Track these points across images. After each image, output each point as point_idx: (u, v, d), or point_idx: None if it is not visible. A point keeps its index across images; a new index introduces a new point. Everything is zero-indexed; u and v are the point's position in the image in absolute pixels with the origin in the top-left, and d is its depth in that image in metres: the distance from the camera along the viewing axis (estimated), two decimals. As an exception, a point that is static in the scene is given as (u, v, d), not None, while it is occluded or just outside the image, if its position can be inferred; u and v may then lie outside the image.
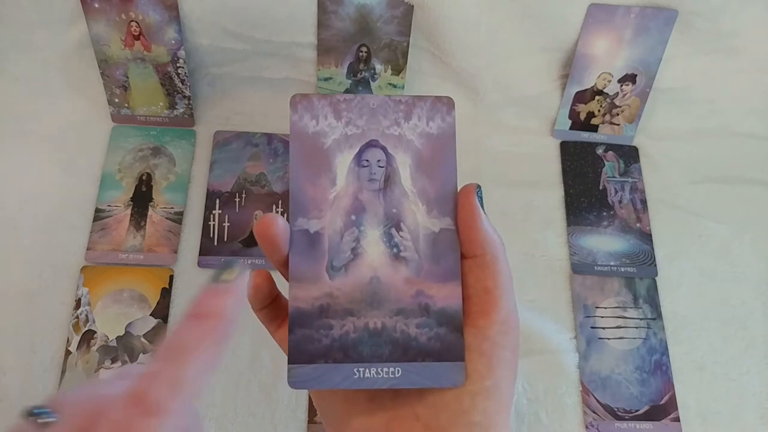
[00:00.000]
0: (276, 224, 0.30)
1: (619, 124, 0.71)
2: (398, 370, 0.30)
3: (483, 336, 0.30)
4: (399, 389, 0.30)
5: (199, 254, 0.63)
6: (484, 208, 0.31)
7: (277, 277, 0.33)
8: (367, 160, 0.32)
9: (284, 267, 0.31)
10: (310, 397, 0.58)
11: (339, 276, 0.31)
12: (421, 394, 0.30)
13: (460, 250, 0.31)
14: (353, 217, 0.32)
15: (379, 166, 0.32)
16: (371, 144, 0.32)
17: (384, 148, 0.32)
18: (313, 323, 0.30)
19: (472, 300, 0.30)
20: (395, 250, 0.31)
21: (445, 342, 0.30)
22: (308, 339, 0.30)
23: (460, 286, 0.31)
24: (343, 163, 0.32)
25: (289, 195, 0.32)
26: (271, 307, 0.33)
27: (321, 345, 0.30)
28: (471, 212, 0.30)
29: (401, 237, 0.32)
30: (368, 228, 0.32)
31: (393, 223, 0.32)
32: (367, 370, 0.30)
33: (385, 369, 0.30)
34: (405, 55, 0.66)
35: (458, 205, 0.31)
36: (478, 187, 0.31)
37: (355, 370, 0.30)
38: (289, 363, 0.30)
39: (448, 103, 0.33)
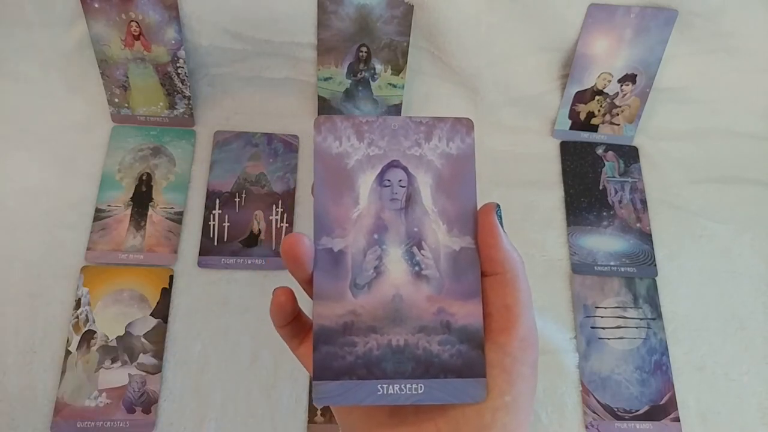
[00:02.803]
0: (302, 243, 0.31)
1: (619, 124, 0.71)
2: (421, 387, 0.31)
3: (503, 352, 0.30)
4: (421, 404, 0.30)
5: (199, 254, 0.63)
6: (504, 226, 0.32)
7: (299, 293, 0.33)
8: (389, 180, 0.33)
9: (308, 285, 0.32)
10: (309, 397, 0.58)
11: (362, 294, 0.32)
12: (443, 409, 0.30)
13: (481, 268, 0.31)
14: (376, 236, 0.32)
15: (401, 186, 0.33)
16: (393, 164, 0.33)
17: (405, 169, 0.33)
18: (338, 340, 0.31)
19: (492, 317, 0.31)
20: (417, 268, 0.32)
21: (467, 359, 0.31)
22: (332, 356, 0.31)
23: (480, 303, 0.31)
24: (366, 183, 0.33)
25: (314, 214, 0.33)
26: (293, 324, 0.33)
27: (345, 362, 0.31)
28: (491, 231, 0.31)
29: (423, 255, 0.32)
30: (390, 247, 0.32)
31: (414, 242, 0.32)
32: (391, 387, 0.31)
33: (408, 385, 0.31)
34: (405, 55, 0.66)
35: (478, 224, 0.32)
36: (498, 206, 0.32)
37: (378, 386, 0.31)
38: (313, 380, 0.30)
39: (467, 125, 0.34)
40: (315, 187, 0.33)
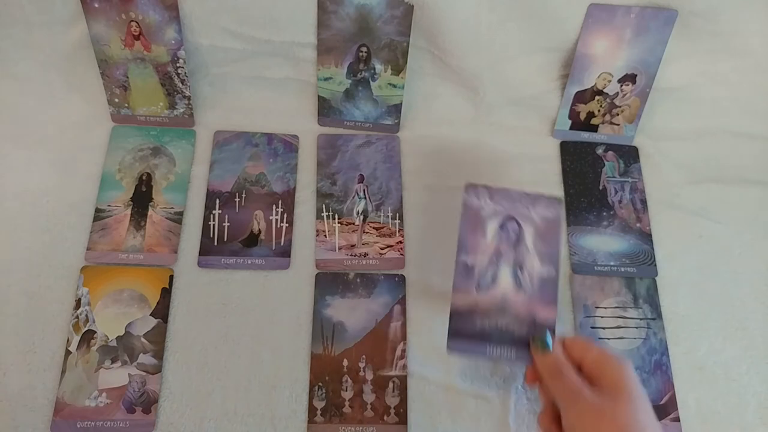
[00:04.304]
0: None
1: (619, 124, 0.71)
2: (513, 353, 0.51)
3: None
4: None
5: (199, 254, 0.63)
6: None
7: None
8: (507, 227, 0.53)
9: None
10: (309, 397, 0.58)
11: (482, 292, 0.52)
12: None
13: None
14: (495, 259, 0.53)
15: (513, 232, 0.53)
16: (510, 218, 0.54)
17: (518, 221, 0.53)
18: (465, 317, 0.52)
19: None
20: (518, 282, 0.52)
21: None
22: (462, 326, 0.52)
23: (555, 309, 0.51)
24: (492, 227, 0.53)
25: (458, 240, 0.53)
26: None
27: (469, 330, 0.52)
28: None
29: (522, 275, 0.52)
30: (502, 267, 0.52)
31: (518, 266, 0.52)
32: (494, 350, 0.51)
33: (506, 350, 0.51)
34: (405, 55, 0.66)
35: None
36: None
37: (487, 347, 0.51)
38: (448, 338, 0.52)
39: (558, 201, 0.54)
40: (461, 224, 0.53)
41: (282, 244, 0.64)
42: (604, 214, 0.68)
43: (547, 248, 0.53)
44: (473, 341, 0.51)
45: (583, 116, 0.71)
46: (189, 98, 0.68)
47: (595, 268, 0.65)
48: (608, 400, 0.46)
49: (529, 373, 0.52)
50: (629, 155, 0.71)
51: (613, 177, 0.70)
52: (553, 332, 0.51)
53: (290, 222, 0.65)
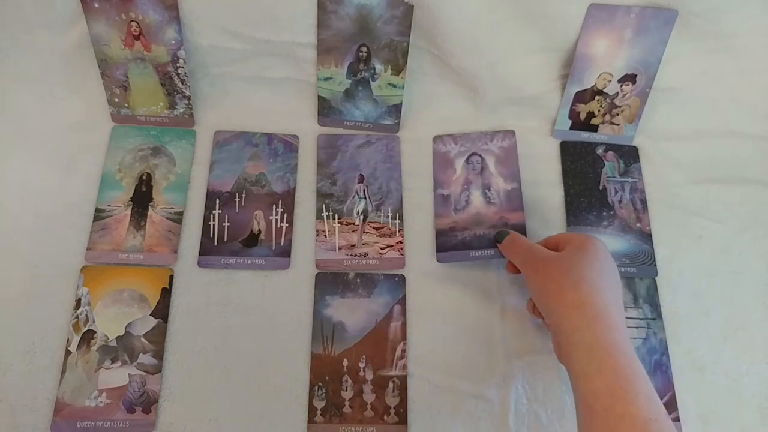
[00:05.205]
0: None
1: (619, 124, 0.71)
2: (491, 251, 0.62)
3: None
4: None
5: (199, 254, 0.63)
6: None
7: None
8: (472, 161, 0.68)
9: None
10: (309, 397, 0.58)
11: (459, 213, 0.65)
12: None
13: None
14: (466, 187, 0.66)
15: (477, 163, 0.67)
16: (473, 153, 0.68)
17: (480, 155, 0.68)
18: (448, 234, 0.64)
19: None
20: (488, 199, 0.66)
21: None
22: (446, 240, 0.64)
23: (522, 213, 0.65)
24: (459, 162, 0.68)
25: (433, 179, 0.67)
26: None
27: (452, 243, 0.64)
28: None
29: (490, 193, 0.66)
30: (473, 191, 0.66)
31: (486, 187, 0.66)
32: (476, 252, 0.63)
33: (485, 252, 0.63)
34: (405, 55, 0.66)
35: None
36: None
37: (470, 253, 0.63)
38: (437, 251, 0.64)
39: (512, 134, 0.69)
40: (434, 167, 0.68)
41: (282, 244, 0.64)
42: (604, 214, 0.68)
43: (508, 170, 0.67)
44: (457, 250, 0.63)
45: (583, 116, 0.71)
46: (189, 98, 0.68)
47: (595, 268, 0.65)
48: (565, 255, 0.51)
49: (509, 265, 0.59)
50: (629, 155, 0.71)
51: (613, 177, 0.70)
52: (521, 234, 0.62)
53: (290, 222, 0.65)
